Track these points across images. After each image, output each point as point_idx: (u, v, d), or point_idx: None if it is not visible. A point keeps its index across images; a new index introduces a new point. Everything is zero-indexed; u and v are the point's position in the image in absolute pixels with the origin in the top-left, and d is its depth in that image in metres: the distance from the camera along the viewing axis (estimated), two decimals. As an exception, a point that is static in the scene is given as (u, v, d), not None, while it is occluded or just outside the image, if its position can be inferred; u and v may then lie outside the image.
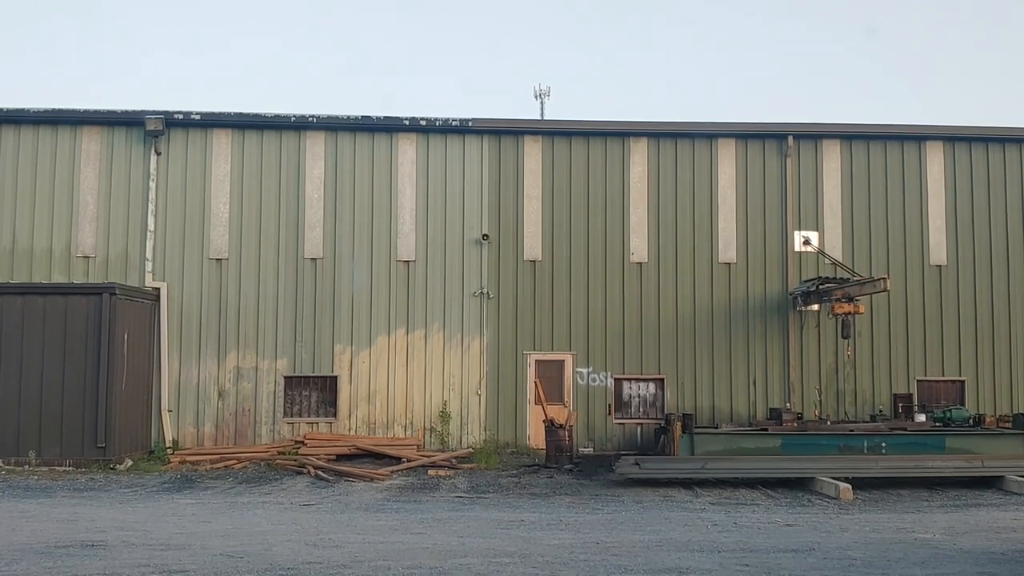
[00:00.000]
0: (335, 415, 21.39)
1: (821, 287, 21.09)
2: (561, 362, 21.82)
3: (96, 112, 21.65)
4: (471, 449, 20.60)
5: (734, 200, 22.40)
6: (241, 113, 21.90)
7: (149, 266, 21.33)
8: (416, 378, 21.57)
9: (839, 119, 32.79)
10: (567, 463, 18.75)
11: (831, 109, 64.35)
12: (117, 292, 19.19)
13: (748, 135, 22.54)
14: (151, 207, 21.47)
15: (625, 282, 22.06)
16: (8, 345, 18.74)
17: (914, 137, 22.77)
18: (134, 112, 21.61)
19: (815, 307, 21.86)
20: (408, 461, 19.26)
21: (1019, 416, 19.81)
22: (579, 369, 21.80)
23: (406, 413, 21.48)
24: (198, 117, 21.66)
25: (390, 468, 18.63)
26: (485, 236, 21.80)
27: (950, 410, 20.52)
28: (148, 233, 21.40)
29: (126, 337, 19.38)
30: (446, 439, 21.33)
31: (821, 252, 22.07)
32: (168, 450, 20.17)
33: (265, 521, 12.49)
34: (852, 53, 65.51)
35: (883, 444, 18.84)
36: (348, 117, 21.99)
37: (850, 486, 15.46)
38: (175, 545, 10.21)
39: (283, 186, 21.84)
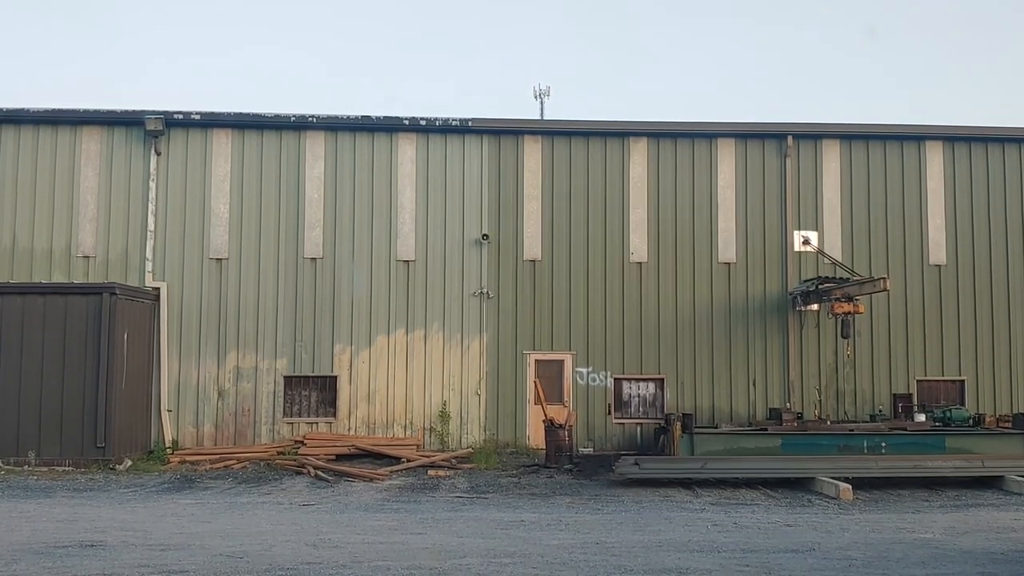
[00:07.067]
0: (335, 415, 21.38)
1: (821, 287, 21.09)
2: (561, 362, 21.81)
3: (96, 112, 21.65)
4: (471, 449, 20.59)
5: (734, 200, 22.40)
6: (241, 113, 21.90)
7: (149, 266, 21.32)
8: (416, 378, 21.56)
9: (839, 119, 32.79)
10: (567, 463, 18.73)
11: (831, 109, 64.39)
12: (117, 292, 19.18)
13: (748, 135, 22.54)
14: (151, 207, 21.46)
15: (625, 282, 22.06)
16: (8, 345, 18.73)
17: (913, 137, 22.77)
18: (134, 112, 21.60)
19: (815, 307, 21.84)
20: (408, 461, 19.26)
21: (1019, 416, 19.81)
22: (579, 369, 21.79)
23: (406, 413, 21.48)
24: (198, 117, 21.66)
25: (390, 468, 18.64)
26: (485, 236, 21.79)
27: (950, 410, 20.52)
28: (148, 233, 21.40)
29: (126, 337, 19.37)
30: (446, 439, 21.33)
31: (821, 252, 22.07)
32: (168, 450, 20.16)
33: (265, 521, 12.48)
34: (852, 53, 65.54)
35: (883, 444, 18.84)
36: (348, 117, 21.98)
37: (850, 486, 15.45)
38: (174, 545, 10.21)
39: (283, 186, 21.83)
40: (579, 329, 21.85)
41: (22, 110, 21.47)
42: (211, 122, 21.76)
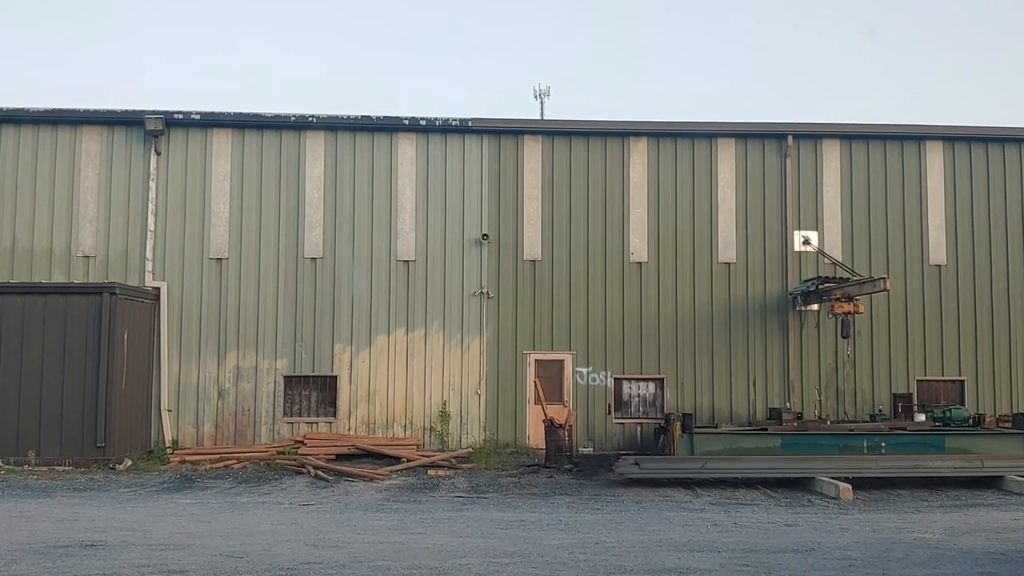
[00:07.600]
0: (335, 415, 21.38)
1: (821, 287, 21.08)
2: (561, 362, 21.81)
3: (96, 112, 21.65)
4: (471, 449, 20.59)
5: (734, 200, 22.40)
6: (241, 113, 21.90)
7: (149, 266, 21.32)
8: (416, 378, 21.56)
9: (839, 119, 32.77)
10: (567, 463, 18.73)
11: (831, 109, 64.39)
12: (117, 292, 19.19)
13: (748, 135, 22.54)
14: (151, 207, 21.46)
15: (625, 282, 22.05)
16: (8, 345, 18.74)
17: (914, 137, 22.76)
18: (134, 112, 21.60)
19: (815, 307, 21.84)
20: (408, 461, 19.26)
21: (1019, 416, 19.81)
22: (579, 369, 21.79)
23: (406, 413, 21.48)
24: (198, 117, 21.66)
25: (390, 468, 18.64)
26: (485, 236, 21.79)
27: (950, 410, 20.51)
28: (148, 233, 21.40)
29: (126, 337, 19.37)
30: (446, 439, 21.33)
31: (821, 252, 22.07)
32: (168, 450, 20.17)
33: (265, 521, 12.48)
34: (852, 53, 65.54)
35: (883, 444, 18.83)
36: (348, 117, 21.98)
37: (850, 486, 15.45)
38: (175, 545, 10.21)
39: (283, 186, 21.83)
40: (579, 329, 21.85)
41: (22, 110, 21.47)
42: (211, 122, 21.76)
